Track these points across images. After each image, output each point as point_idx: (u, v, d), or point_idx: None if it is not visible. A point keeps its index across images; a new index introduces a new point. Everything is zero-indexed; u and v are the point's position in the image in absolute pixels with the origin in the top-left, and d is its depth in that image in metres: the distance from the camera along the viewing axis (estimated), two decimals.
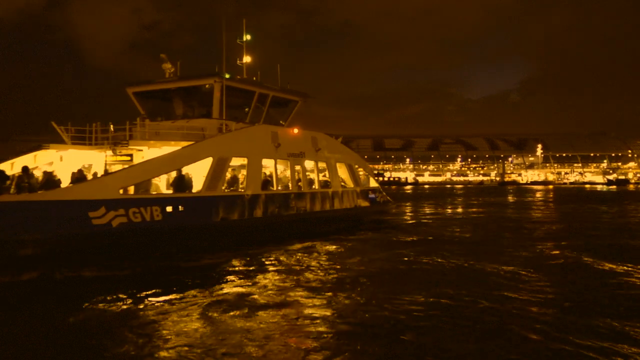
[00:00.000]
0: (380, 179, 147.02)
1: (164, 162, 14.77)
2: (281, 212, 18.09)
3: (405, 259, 14.66)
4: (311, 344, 7.51)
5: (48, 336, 8.16)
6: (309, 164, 20.33)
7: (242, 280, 11.91)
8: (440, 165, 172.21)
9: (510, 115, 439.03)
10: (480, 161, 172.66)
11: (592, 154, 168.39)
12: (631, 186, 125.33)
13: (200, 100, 18.78)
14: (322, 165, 21.11)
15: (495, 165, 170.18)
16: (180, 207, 14.67)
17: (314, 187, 20.15)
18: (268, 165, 18.47)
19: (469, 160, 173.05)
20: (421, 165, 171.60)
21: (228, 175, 17.31)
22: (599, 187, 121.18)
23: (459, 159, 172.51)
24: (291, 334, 8.09)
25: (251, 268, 13.34)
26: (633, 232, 22.07)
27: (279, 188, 18.63)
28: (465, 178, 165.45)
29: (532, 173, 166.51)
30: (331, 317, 8.88)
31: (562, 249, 16.83)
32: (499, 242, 18.62)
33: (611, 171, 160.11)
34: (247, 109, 19.40)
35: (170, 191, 15.40)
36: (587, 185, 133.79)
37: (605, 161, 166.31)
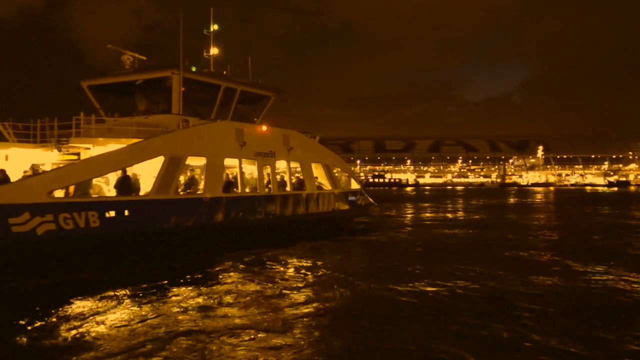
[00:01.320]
0: (381, 180, 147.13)
1: (106, 161, 13.05)
2: (247, 217, 16.37)
3: (379, 264, 12.94)
4: None
5: None
6: (280, 164, 18.63)
7: (191, 292, 10.20)
8: (441, 167, 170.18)
9: (511, 116, 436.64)
10: (481, 163, 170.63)
11: (593, 156, 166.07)
12: (632, 188, 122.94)
13: (163, 95, 17.06)
14: (295, 165, 19.37)
15: (496, 166, 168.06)
16: (126, 211, 13.00)
17: (286, 189, 18.42)
18: (232, 166, 16.77)
19: (470, 161, 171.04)
20: (422, 167, 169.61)
21: (184, 176, 15.61)
22: (599, 188, 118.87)
23: (459, 161, 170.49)
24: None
25: (198, 276, 11.63)
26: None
27: (246, 190, 16.92)
28: (466, 179, 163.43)
29: (533, 174, 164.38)
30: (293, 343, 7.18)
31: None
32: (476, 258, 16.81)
33: (612, 173, 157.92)
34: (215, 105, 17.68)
35: (115, 193, 13.71)
36: (588, 187, 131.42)
37: (606, 163, 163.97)
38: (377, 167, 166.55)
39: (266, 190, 17.65)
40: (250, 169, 17.80)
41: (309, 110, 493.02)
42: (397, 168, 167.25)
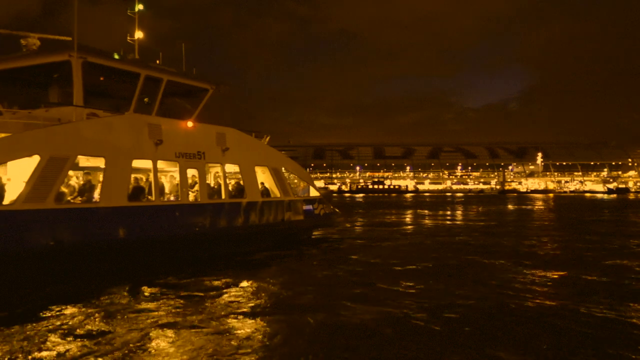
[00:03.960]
0: (381, 186, 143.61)
1: None
2: (162, 231, 13.14)
3: (322, 290, 9.70)
4: None
5: None
6: (212, 167, 15.44)
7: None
8: (441, 174, 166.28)
9: (510, 123, 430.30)
10: (481, 169, 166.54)
11: (592, 163, 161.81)
12: (631, 195, 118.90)
13: (63, 84, 13.88)
14: (233, 169, 16.18)
15: (496, 173, 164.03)
16: None
17: (220, 197, 15.19)
18: (144, 169, 13.60)
19: (469, 168, 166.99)
20: (421, 174, 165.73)
21: (76, 180, 12.44)
22: (599, 195, 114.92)
23: (459, 167, 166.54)
24: None
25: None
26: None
27: (163, 199, 13.72)
28: (466, 186, 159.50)
29: (533, 181, 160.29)
30: None
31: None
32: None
33: (611, 180, 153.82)
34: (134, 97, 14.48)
35: None
36: (587, 194, 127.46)
37: (605, 170, 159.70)
38: (376, 174, 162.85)
39: (193, 198, 14.46)
40: (171, 173, 14.62)
41: (307, 117, 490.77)
42: (396, 175, 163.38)
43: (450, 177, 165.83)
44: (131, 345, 6.94)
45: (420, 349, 6.82)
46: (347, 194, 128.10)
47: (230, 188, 15.78)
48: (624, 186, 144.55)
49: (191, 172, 14.53)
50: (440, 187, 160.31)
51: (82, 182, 12.45)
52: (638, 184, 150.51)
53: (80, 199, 12.13)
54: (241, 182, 15.99)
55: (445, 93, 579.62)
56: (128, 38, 15.88)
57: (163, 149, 13.50)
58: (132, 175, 13.24)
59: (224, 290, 10.46)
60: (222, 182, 15.25)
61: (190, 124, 14.48)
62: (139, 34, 15.83)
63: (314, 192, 19.56)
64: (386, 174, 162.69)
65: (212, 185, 15.46)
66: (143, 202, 12.98)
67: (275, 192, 17.16)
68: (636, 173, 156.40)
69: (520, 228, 26.50)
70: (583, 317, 8.47)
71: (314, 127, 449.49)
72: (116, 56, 14.02)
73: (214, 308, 9.07)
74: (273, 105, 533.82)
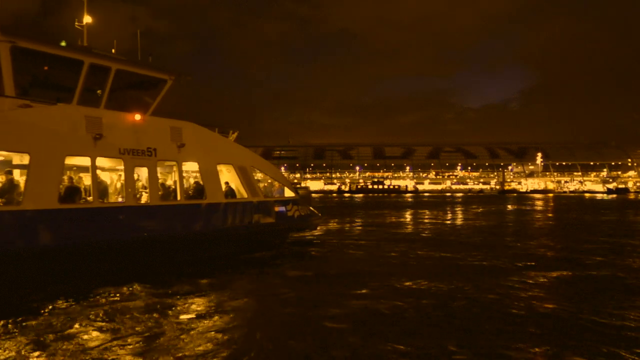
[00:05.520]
0: (381, 186, 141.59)
1: None
2: (102, 236, 11.44)
3: (286, 311, 8.01)
4: None
5: None
6: (165, 165, 13.76)
7: None
8: (440, 174, 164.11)
9: (510, 123, 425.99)
10: (480, 169, 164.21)
11: (592, 163, 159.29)
12: (631, 195, 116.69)
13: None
14: (191, 167, 14.49)
15: (496, 173, 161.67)
16: None
17: (175, 198, 13.49)
18: (81, 166, 11.92)
19: (469, 168, 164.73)
20: (421, 174, 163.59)
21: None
22: (598, 196, 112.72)
23: (459, 167, 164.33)
24: None
25: None
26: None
27: (105, 200, 12.03)
28: (466, 186, 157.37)
29: (532, 181, 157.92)
30: None
31: None
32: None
33: (611, 180, 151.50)
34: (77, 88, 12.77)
35: None
36: (587, 194, 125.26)
37: (605, 170, 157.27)
38: (376, 174, 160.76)
39: (144, 199, 12.76)
40: (115, 172, 12.94)
41: (307, 117, 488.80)
42: (396, 175, 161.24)
43: (450, 177, 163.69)
44: None
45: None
46: (346, 194, 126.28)
47: (187, 188, 14.09)
48: (623, 186, 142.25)
49: (139, 171, 12.85)
50: (439, 187, 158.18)
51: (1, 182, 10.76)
52: (638, 184, 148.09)
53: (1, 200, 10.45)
54: (200, 182, 14.28)
55: (445, 93, 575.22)
56: (76, 23, 14.19)
57: (104, 145, 11.81)
58: (69, 174, 11.61)
59: (164, 308, 8.75)
60: (177, 181, 13.55)
61: (138, 116, 12.78)
62: (87, 19, 14.13)
63: (288, 193, 17.82)
64: (386, 174, 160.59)
65: (167, 185, 13.77)
66: (78, 205, 11.28)
67: (242, 192, 15.45)
68: (636, 173, 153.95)
69: (520, 228, 24.82)
70: (587, 318, 7.47)
71: (314, 127, 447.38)
72: (63, 44, 12.38)
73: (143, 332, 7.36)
74: (273, 105, 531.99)
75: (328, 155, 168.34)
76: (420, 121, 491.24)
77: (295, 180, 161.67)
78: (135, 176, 13.21)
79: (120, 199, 12.66)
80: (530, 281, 11.30)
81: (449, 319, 8.12)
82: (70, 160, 11.45)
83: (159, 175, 14.19)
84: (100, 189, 11.91)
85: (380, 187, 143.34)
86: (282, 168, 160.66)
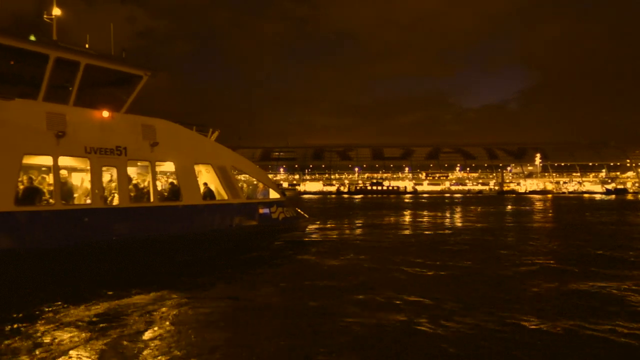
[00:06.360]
0: (380, 187, 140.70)
1: None
2: (65, 240, 10.61)
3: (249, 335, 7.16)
4: None
5: None
6: (138, 165, 12.94)
7: None
8: (439, 175, 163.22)
9: (509, 124, 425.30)
10: (479, 170, 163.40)
11: (591, 164, 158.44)
12: (630, 196, 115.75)
13: None
14: (166, 167, 13.67)
15: (494, 174, 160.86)
16: None
17: (148, 199, 12.65)
18: (42, 166, 11.11)
19: (468, 169, 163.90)
20: (420, 175, 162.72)
21: None
22: (597, 196, 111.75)
23: (458, 168, 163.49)
24: None
25: None
26: None
27: (69, 202, 11.19)
28: (465, 187, 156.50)
29: (531, 182, 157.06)
30: None
31: None
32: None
33: (610, 180, 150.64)
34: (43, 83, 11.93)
35: None
36: (586, 195, 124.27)
37: (604, 170, 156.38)
38: (375, 175, 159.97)
39: (104, 201, 11.90)
40: (83, 173, 12.11)
41: (306, 118, 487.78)
42: (395, 175, 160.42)
43: (449, 178, 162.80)
44: None
45: None
46: (345, 195, 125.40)
47: (162, 190, 13.26)
48: (622, 187, 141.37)
49: (108, 172, 12.02)
50: (439, 188, 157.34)
51: None
52: (636, 184, 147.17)
53: None
54: (176, 183, 13.44)
55: (444, 93, 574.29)
56: (44, 16, 13.36)
57: (67, 143, 10.98)
58: (29, 174, 10.79)
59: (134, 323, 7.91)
60: (150, 182, 12.72)
61: (106, 113, 11.95)
62: (56, 11, 13.29)
63: (274, 194, 16.99)
64: (385, 175, 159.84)
65: (140, 186, 12.93)
66: (38, 207, 10.45)
67: (222, 194, 14.61)
68: (634, 174, 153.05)
69: (521, 229, 23.97)
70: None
71: (313, 128, 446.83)
72: (33, 38, 11.55)
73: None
74: (272, 105, 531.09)
75: (327, 156, 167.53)
76: (420, 122, 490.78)
77: (295, 182, 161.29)
78: (108, 176, 12.42)
79: (88, 201, 11.83)
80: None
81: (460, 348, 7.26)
82: (30, 160, 10.64)
83: (134, 176, 13.43)
84: (65, 190, 11.09)
85: (379, 188, 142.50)
86: (281, 169, 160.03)
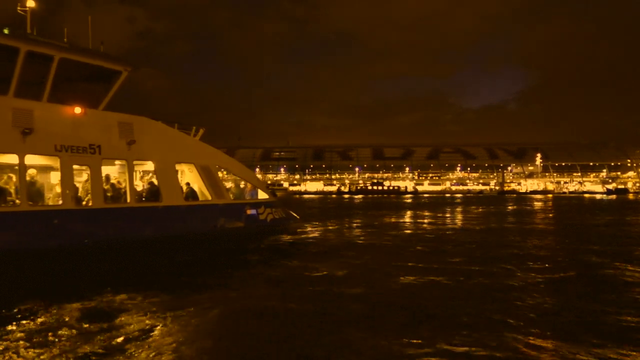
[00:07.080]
0: (380, 187, 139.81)
1: None
2: (32, 242, 9.94)
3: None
4: None
5: None
6: (113, 164, 12.26)
7: None
8: (440, 175, 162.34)
9: (509, 124, 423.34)
10: (480, 170, 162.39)
11: (591, 163, 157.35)
12: (630, 195, 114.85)
13: None
14: (146, 167, 12.99)
15: (495, 174, 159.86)
16: None
17: (125, 200, 11.97)
18: (7, 165, 10.44)
19: (469, 169, 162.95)
20: (421, 175, 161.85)
21: None
22: (598, 196, 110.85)
23: (458, 168, 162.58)
24: None
25: None
26: None
27: (37, 203, 10.52)
28: (465, 187, 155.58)
29: (532, 182, 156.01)
30: None
31: None
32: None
33: (610, 180, 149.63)
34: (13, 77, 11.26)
35: None
36: (587, 195, 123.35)
37: (604, 170, 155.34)
38: (375, 175, 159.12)
39: (76, 201, 11.21)
40: (54, 172, 11.43)
41: (307, 118, 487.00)
42: (395, 175, 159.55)
43: (450, 178, 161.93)
44: None
45: None
46: (346, 195, 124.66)
47: (141, 190, 12.58)
48: (622, 187, 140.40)
49: (82, 171, 11.34)
50: (439, 188, 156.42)
51: None
52: (637, 184, 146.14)
53: None
54: (155, 183, 12.76)
55: (444, 94, 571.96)
56: (18, 8, 12.69)
57: (35, 141, 10.31)
58: None
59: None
60: (127, 182, 12.03)
61: (78, 110, 11.27)
62: (30, 3, 12.62)
63: (262, 195, 16.30)
64: (385, 175, 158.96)
65: (116, 186, 12.24)
66: (2, 207, 9.77)
67: (206, 194, 13.93)
68: (635, 174, 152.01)
69: (520, 229, 23.37)
70: None
71: (313, 128, 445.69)
72: (6, 31, 10.91)
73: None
74: (272, 105, 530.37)
75: (327, 157, 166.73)
76: (420, 122, 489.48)
77: (295, 182, 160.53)
78: (85, 176, 11.75)
79: (60, 202, 11.15)
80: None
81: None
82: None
83: (114, 175, 12.76)
84: (33, 190, 10.42)
85: (380, 188, 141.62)
86: (282, 169, 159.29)
